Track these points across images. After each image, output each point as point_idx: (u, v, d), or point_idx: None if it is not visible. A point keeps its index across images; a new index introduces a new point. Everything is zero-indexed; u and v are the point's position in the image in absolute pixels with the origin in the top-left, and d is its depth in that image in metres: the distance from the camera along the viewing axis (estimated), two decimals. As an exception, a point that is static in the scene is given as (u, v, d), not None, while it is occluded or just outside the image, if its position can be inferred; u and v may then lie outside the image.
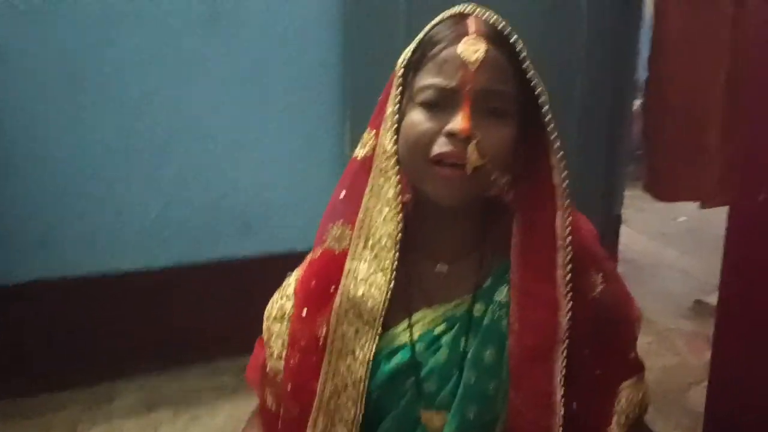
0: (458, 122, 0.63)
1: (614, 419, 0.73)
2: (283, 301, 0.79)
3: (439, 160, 0.65)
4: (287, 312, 0.78)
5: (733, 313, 1.20)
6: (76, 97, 1.61)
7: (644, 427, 0.77)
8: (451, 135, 0.64)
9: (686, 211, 3.02)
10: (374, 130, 0.73)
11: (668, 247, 3.03)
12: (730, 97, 1.56)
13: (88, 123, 1.64)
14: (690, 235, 3.19)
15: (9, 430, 1.61)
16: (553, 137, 0.67)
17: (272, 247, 1.87)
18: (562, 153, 0.68)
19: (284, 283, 0.82)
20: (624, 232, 2.83)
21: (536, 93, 0.66)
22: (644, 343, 2.10)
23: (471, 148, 0.63)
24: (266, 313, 0.81)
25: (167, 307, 1.80)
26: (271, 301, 0.81)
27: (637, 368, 0.78)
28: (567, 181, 0.68)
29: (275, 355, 0.77)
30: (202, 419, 1.68)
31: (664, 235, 3.16)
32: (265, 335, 0.80)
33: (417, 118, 0.66)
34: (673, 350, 2.00)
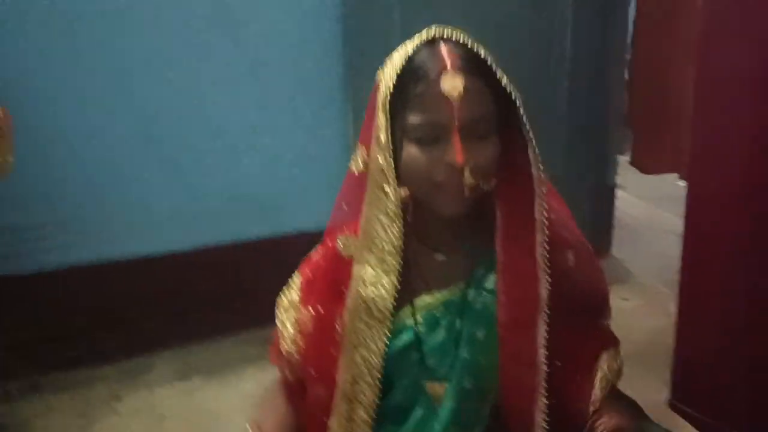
0: (453, 155, 0.69)
1: (596, 383, 0.79)
2: (291, 294, 0.88)
3: (440, 184, 0.72)
4: (296, 303, 0.86)
5: (693, 280, 1.32)
6: (97, 100, 1.73)
7: (620, 393, 0.83)
8: (448, 165, 0.70)
9: (686, 174, 2.99)
10: (364, 146, 0.77)
11: (666, 210, 2.96)
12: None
13: (108, 129, 1.76)
14: (688, 199, 3.15)
15: (57, 402, 1.72)
16: (529, 136, 0.73)
17: (283, 228, 1.96)
18: (536, 148, 0.73)
19: (293, 277, 0.90)
20: (621, 197, 2.81)
21: (512, 99, 0.71)
22: (635, 306, 2.15)
23: (467, 174, 0.70)
24: (277, 304, 0.89)
25: (194, 285, 1.91)
26: (281, 293, 0.89)
27: (613, 341, 0.85)
28: (542, 171, 0.74)
29: (288, 340, 0.86)
30: (232, 384, 1.79)
31: (662, 199, 3.07)
32: (278, 324, 0.88)
33: (414, 152, 0.72)
34: (664, 312, 2.01)
